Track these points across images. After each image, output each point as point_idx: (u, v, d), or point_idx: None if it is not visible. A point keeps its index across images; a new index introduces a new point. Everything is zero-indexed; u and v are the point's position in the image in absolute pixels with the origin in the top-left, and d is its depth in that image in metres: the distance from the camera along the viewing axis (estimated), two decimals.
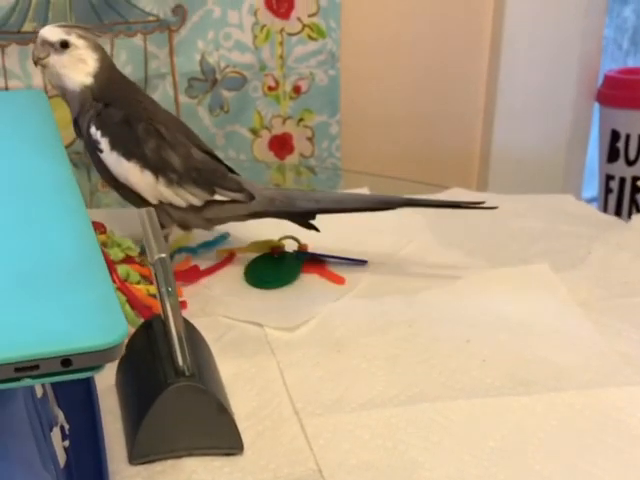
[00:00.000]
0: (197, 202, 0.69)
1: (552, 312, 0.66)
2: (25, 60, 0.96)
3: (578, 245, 0.78)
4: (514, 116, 1.20)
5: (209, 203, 0.70)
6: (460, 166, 1.24)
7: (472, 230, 0.82)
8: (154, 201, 0.68)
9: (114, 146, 0.68)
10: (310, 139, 1.12)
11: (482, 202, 0.70)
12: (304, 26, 1.06)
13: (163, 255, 0.47)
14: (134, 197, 0.69)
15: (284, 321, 0.66)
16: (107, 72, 0.69)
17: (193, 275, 0.72)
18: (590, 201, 1.45)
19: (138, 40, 0.99)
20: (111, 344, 0.34)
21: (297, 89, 1.09)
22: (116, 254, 0.66)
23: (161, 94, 1.03)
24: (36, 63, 0.68)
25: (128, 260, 0.67)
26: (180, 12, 1.00)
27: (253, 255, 0.76)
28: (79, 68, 0.67)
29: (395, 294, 0.70)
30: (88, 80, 0.68)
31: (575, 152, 1.28)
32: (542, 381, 0.58)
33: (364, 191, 0.92)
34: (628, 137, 1.24)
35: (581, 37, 1.18)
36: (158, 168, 0.68)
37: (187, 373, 0.51)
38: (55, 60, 0.67)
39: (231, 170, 0.73)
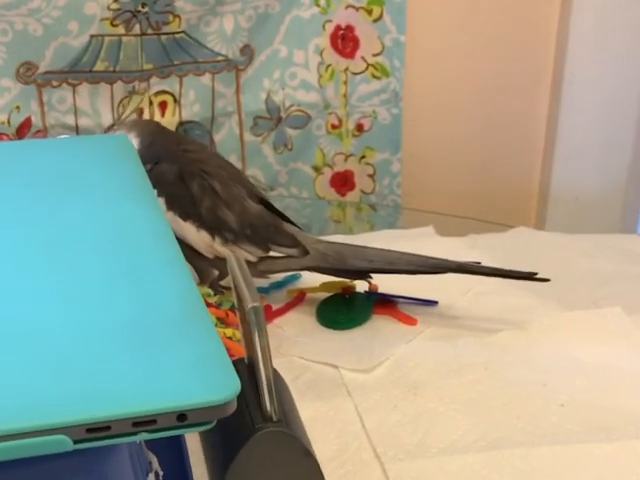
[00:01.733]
0: (252, 259, 0.70)
1: (627, 357, 0.66)
2: (95, 99, 0.99)
3: None
4: (573, 155, 1.20)
5: (263, 258, 0.71)
6: (519, 204, 1.25)
7: (541, 269, 0.82)
8: (210, 256, 0.70)
9: (170, 207, 0.69)
10: (371, 176, 1.13)
11: (535, 273, 0.69)
12: (368, 65, 1.08)
13: (257, 304, 0.48)
14: (190, 250, 0.70)
15: (359, 362, 0.66)
16: (148, 139, 0.70)
17: (267, 315, 0.73)
18: None
19: (206, 79, 1.01)
20: (226, 400, 0.34)
21: (360, 127, 1.11)
22: None
23: (227, 132, 1.05)
24: None
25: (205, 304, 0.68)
26: (248, 52, 1.02)
27: (323, 295, 0.76)
28: None
29: (468, 336, 0.70)
30: None
31: (633, 190, 1.27)
32: (622, 428, 0.58)
33: (429, 230, 0.93)
34: None
35: None
36: (214, 228, 0.69)
37: (275, 418, 0.51)
38: None
39: (284, 217, 0.73)
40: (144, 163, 0.69)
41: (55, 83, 0.96)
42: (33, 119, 0.98)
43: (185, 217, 0.69)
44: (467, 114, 1.18)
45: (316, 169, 1.12)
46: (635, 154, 1.25)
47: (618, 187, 1.25)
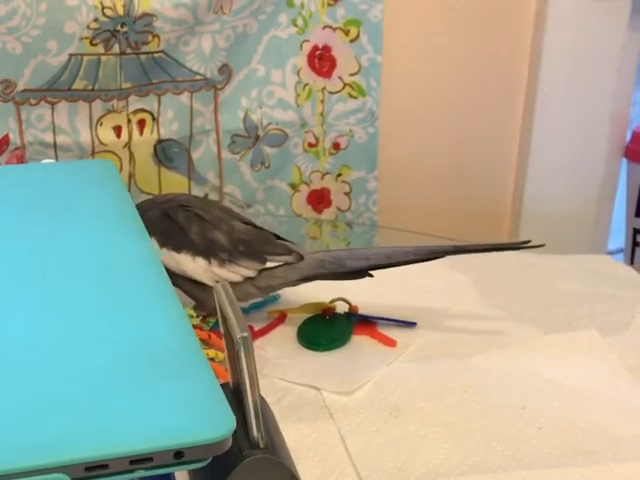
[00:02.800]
0: (251, 273, 0.71)
1: (604, 379, 0.67)
2: (74, 116, 0.99)
3: (622, 308, 0.80)
4: (546, 173, 1.22)
5: (261, 271, 0.71)
6: (493, 221, 1.26)
7: (517, 290, 0.84)
8: (211, 282, 0.70)
9: (163, 243, 0.70)
10: (347, 194, 1.14)
11: (528, 241, 0.71)
12: (345, 85, 1.09)
13: (245, 334, 0.48)
14: (191, 285, 0.71)
15: (341, 385, 0.67)
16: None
17: None
18: (615, 253, 1.47)
19: (185, 98, 1.02)
20: (222, 437, 0.35)
21: (336, 145, 1.12)
22: None
23: (205, 150, 1.06)
24: None
25: None
26: (226, 71, 1.03)
27: (304, 316, 0.77)
28: None
29: (447, 358, 0.71)
30: None
31: (604, 206, 1.30)
32: (600, 451, 0.59)
33: None
34: None
35: (612, 96, 1.21)
36: (208, 251, 0.70)
37: (262, 445, 0.52)
38: None
39: (275, 235, 0.74)
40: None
41: (33, 101, 0.96)
42: (11, 136, 0.97)
43: (179, 249, 0.70)
44: (442, 132, 1.19)
45: (293, 187, 1.12)
46: (607, 171, 1.27)
47: (590, 204, 1.27)
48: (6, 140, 0.98)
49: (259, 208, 1.11)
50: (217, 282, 0.53)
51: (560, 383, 0.67)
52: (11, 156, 0.99)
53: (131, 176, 1.03)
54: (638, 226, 1.31)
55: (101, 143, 1.00)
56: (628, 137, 1.31)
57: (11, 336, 0.40)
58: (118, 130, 1.01)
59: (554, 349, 0.71)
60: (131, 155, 1.02)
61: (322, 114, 1.10)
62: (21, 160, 0.99)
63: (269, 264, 0.71)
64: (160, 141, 1.03)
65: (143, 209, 0.71)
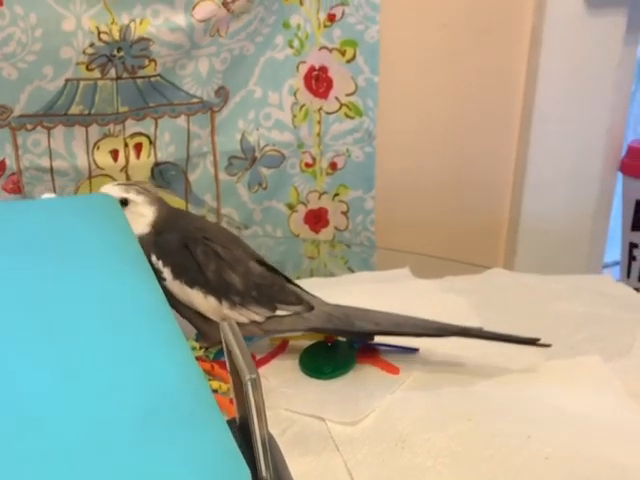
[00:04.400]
0: (259, 319, 0.71)
1: (608, 407, 0.67)
2: (70, 141, 0.98)
3: (623, 330, 0.80)
4: (542, 187, 1.23)
5: (270, 317, 0.71)
6: (490, 235, 1.27)
7: (517, 313, 0.84)
8: (217, 319, 0.70)
9: (177, 275, 0.70)
10: (345, 213, 1.14)
11: (538, 339, 0.71)
12: (342, 105, 1.09)
13: (254, 376, 0.48)
14: (196, 317, 0.71)
15: (345, 415, 0.67)
16: (164, 217, 0.72)
17: None
18: (612, 265, 1.47)
19: (181, 121, 1.02)
20: None
21: (333, 165, 1.12)
22: None
23: (202, 172, 1.06)
24: None
25: None
26: (223, 93, 1.03)
27: (306, 343, 0.77)
28: (139, 222, 0.70)
29: (450, 385, 0.71)
30: (147, 229, 0.71)
31: (600, 220, 1.30)
32: None
33: (405, 272, 0.94)
34: None
35: (609, 111, 1.21)
36: (221, 292, 0.70)
37: None
38: None
39: (286, 278, 0.74)
40: (155, 232, 0.71)
41: (30, 126, 0.96)
42: (7, 162, 0.97)
43: (192, 284, 0.69)
44: (439, 150, 1.19)
45: (290, 207, 1.12)
46: (603, 186, 1.28)
47: (586, 218, 1.28)
48: (2, 166, 0.97)
49: (256, 229, 1.11)
50: (225, 323, 0.53)
51: (565, 411, 0.67)
52: (7, 181, 0.99)
53: None
54: (634, 240, 1.31)
55: (98, 167, 1.00)
56: (623, 151, 1.32)
57: (15, 388, 0.40)
58: (115, 154, 1.00)
59: (557, 375, 0.71)
60: (128, 178, 1.02)
61: (319, 134, 1.09)
62: (17, 185, 0.99)
63: (279, 312, 0.71)
64: (157, 164, 1.03)
65: (163, 225, 0.71)
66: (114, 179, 1.01)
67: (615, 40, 1.17)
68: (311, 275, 1.07)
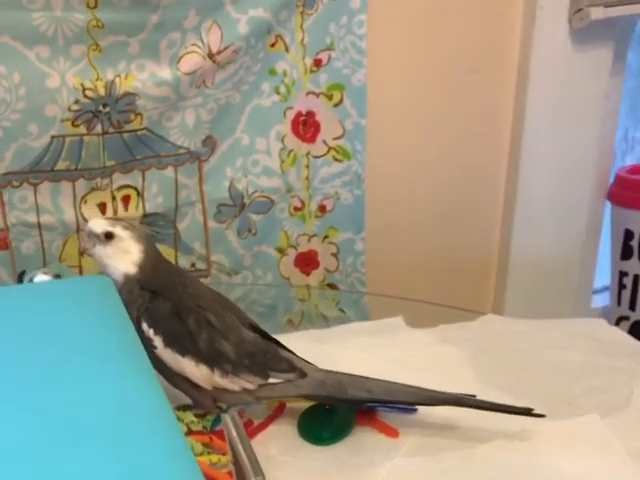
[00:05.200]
0: (251, 387, 0.70)
1: (609, 470, 0.67)
2: (57, 196, 0.98)
3: (620, 382, 0.79)
4: (531, 220, 1.23)
5: (262, 385, 0.71)
6: (480, 269, 1.27)
7: (513, 364, 0.83)
8: (209, 388, 0.69)
9: (168, 344, 0.69)
10: (335, 255, 1.14)
11: (531, 409, 0.70)
12: (330, 148, 1.08)
13: (260, 478, 0.48)
14: (188, 385, 0.70)
15: None
16: (152, 261, 0.71)
17: (249, 432, 0.73)
18: (601, 291, 1.47)
19: (169, 172, 1.01)
20: None
21: (322, 208, 1.11)
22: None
23: (190, 220, 1.05)
24: (83, 253, 0.70)
25: (190, 432, 0.68)
26: (209, 143, 1.02)
27: (304, 405, 0.76)
28: (124, 258, 0.69)
29: (449, 450, 0.70)
30: (133, 269, 0.70)
31: (589, 249, 1.30)
32: None
33: (399, 321, 0.94)
34: None
35: (596, 143, 1.21)
36: (213, 360, 0.69)
37: None
38: (100, 250, 0.69)
39: (278, 343, 0.73)
40: (142, 288, 0.70)
41: (16, 183, 0.95)
42: None
43: (183, 353, 0.69)
44: (429, 188, 1.20)
45: (280, 251, 1.12)
46: (591, 216, 1.28)
47: (575, 249, 1.28)
48: None
49: (247, 274, 1.11)
50: (224, 411, 0.53)
51: (565, 474, 0.67)
52: None
53: None
54: (624, 269, 1.31)
55: (85, 220, 0.99)
56: (611, 179, 1.32)
57: None
58: (103, 207, 1.00)
59: (557, 437, 0.71)
60: None
61: (307, 178, 1.09)
62: (5, 242, 0.98)
63: (271, 380, 0.70)
64: (146, 215, 1.02)
65: (150, 270, 0.70)
66: None
67: (602, 73, 1.18)
68: (302, 316, 1.07)
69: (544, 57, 1.14)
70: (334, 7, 1.02)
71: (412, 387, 0.72)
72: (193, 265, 1.07)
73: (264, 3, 0.96)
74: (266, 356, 0.71)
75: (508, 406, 0.71)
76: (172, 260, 1.06)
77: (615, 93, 1.22)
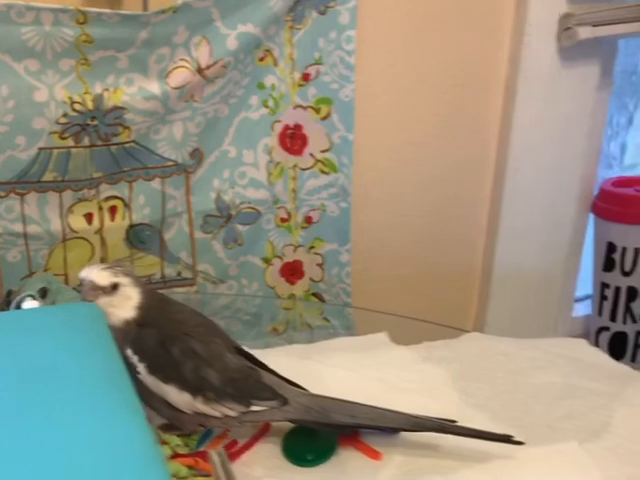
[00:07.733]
0: (233, 414, 0.71)
1: None
2: (44, 206, 0.97)
3: (599, 405, 0.81)
4: (515, 235, 1.24)
5: (244, 413, 0.71)
6: (464, 282, 1.28)
7: (495, 386, 0.84)
8: (190, 412, 0.70)
9: (152, 372, 0.69)
10: (320, 265, 1.15)
11: (510, 436, 0.71)
12: (317, 161, 1.09)
13: None
14: (168, 407, 0.70)
15: None
16: (148, 299, 0.71)
17: (233, 453, 0.73)
18: (583, 299, 1.49)
19: (156, 183, 1.01)
20: None
21: (308, 219, 1.12)
22: (165, 452, 0.68)
23: (177, 230, 1.05)
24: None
25: (175, 456, 0.69)
26: (197, 155, 1.02)
27: (288, 425, 0.77)
28: (126, 305, 0.69)
29: (432, 473, 0.71)
30: (133, 313, 0.70)
31: (572, 261, 1.32)
32: None
33: (383, 337, 0.94)
34: (624, 250, 1.28)
35: (582, 158, 1.22)
36: (196, 388, 0.69)
37: None
38: (105, 301, 0.68)
39: (263, 366, 0.74)
40: (137, 324, 0.70)
41: (2, 193, 0.95)
42: None
43: (167, 380, 0.69)
44: (414, 202, 1.21)
45: (266, 261, 1.12)
46: (575, 229, 1.29)
47: (558, 261, 1.29)
48: None
49: (232, 283, 1.11)
50: (214, 452, 0.53)
51: None
52: None
53: (103, 261, 1.02)
54: (606, 280, 1.33)
55: (72, 230, 0.99)
56: (595, 192, 1.33)
57: None
58: (89, 217, 1.00)
59: (537, 464, 0.72)
60: (103, 240, 1.01)
61: (294, 190, 1.09)
62: None
63: (253, 408, 0.71)
64: (132, 226, 1.02)
65: (147, 309, 0.70)
66: (89, 242, 1.00)
67: (588, 89, 1.19)
68: (287, 325, 1.07)
69: (531, 73, 1.15)
70: (323, 22, 1.02)
71: (395, 413, 0.73)
72: (179, 274, 1.07)
73: (254, 19, 0.96)
74: (248, 382, 0.71)
75: (488, 433, 0.72)
76: (158, 269, 1.07)
77: (601, 108, 1.23)
